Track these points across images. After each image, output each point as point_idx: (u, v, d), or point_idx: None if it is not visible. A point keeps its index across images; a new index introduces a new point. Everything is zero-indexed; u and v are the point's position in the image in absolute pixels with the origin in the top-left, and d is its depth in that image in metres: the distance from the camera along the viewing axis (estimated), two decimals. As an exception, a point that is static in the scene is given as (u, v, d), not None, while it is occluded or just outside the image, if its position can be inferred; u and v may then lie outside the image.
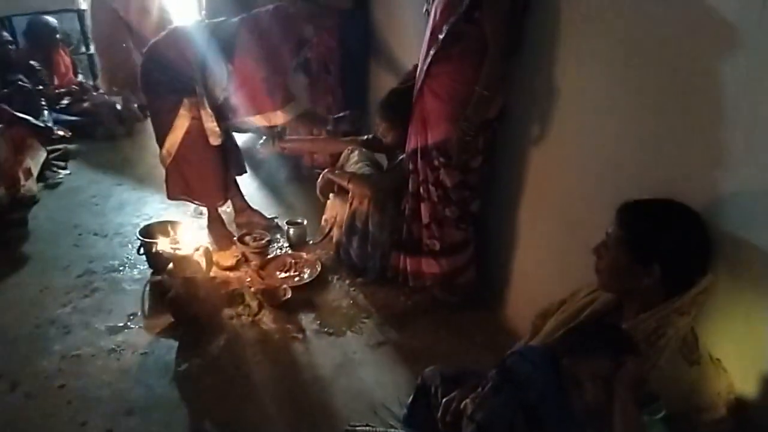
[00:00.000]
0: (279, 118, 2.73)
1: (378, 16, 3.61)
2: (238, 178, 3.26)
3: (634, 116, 1.62)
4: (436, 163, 2.24)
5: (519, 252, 2.35)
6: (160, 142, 2.80)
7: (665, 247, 1.29)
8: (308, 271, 2.80)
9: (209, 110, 2.68)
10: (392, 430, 1.84)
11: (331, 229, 2.90)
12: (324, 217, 2.99)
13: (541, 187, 2.15)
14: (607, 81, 1.72)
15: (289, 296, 2.56)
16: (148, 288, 2.69)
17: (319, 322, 2.48)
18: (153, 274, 2.78)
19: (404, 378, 2.15)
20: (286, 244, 3.11)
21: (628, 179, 1.67)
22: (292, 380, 2.15)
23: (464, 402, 1.66)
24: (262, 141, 3.02)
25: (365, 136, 2.87)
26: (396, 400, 2.02)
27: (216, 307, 2.48)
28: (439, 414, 1.74)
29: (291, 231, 3.07)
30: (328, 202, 2.93)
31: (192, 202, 3.08)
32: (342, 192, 2.75)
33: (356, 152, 2.80)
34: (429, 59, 2.13)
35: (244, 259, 2.92)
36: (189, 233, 2.66)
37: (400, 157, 2.64)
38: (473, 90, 2.05)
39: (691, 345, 1.32)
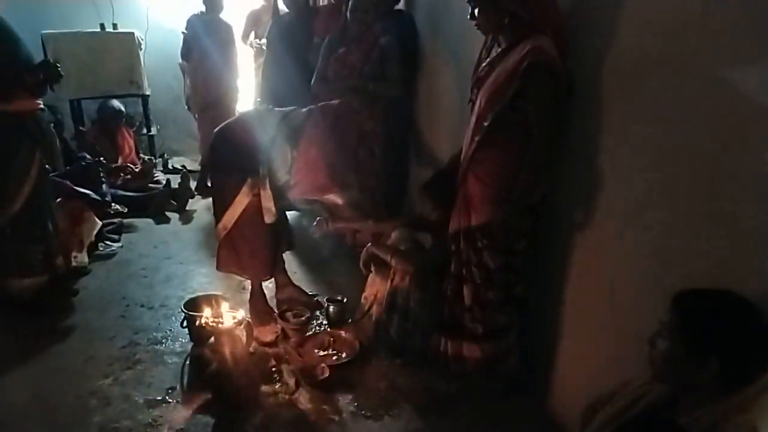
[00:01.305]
0: (337, 198, 2.82)
1: (420, 104, 3.76)
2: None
3: (683, 203, 1.60)
4: (479, 244, 2.25)
5: (565, 339, 2.28)
6: (218, 216, 2.91)
7: (723, 338, 1.24)
8: (347, 350, 2.77)
9: (269, 190, 2.79)
10: None
11: (371, 307, 2.89)
12: (364, 295, 2.99)
13: (588, 273, 2.12)
14: (654, 168, 1.72)
15: (327, 375, 2.53)
16: (188, 362, 2.70)
17: (356, 404, 2.41)
18: (194, 347, 2.80)
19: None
20: (325, 322, 3.09)
21: (679, 266, 1.63)
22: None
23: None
24: (316, 222, 3.09)
25: (411, 217, 2.92)
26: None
27: (254, 383, 2.45)
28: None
29: (331, 308, 3.07)
30: (369, 278, 2.94)
31: (240, 275, 3.14)
32: (383, 268, 2.76)
33: (399, 230, 2.84)
34: (474, 145, 2.19)
35: (283, 336, 2.91)
36: (231, 308, 2.70)
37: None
38: (517, 174, 2.08)
39: (757, 446, 1.23)
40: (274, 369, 2.61)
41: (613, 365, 2.00)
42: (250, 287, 3.17)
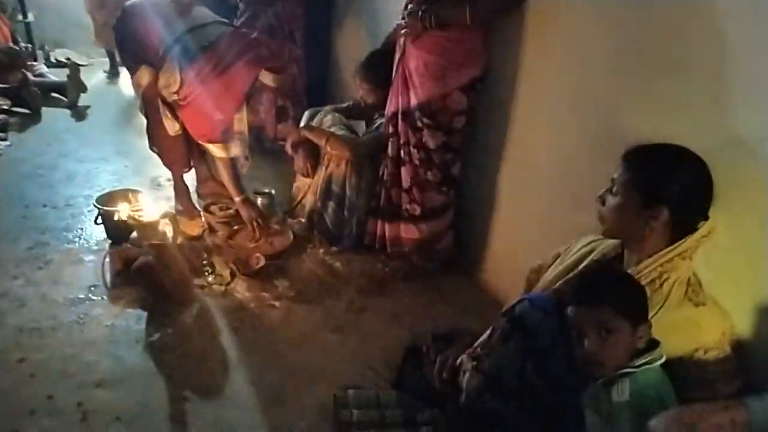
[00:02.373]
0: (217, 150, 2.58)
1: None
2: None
3: (622, 65, 1.63)
4: (419, 124, 2.20)
5: (498, 215, 2.35)
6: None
7: (675, 189, 1.30)
8: (279, 241, 2.70)
9: (161, 102, 2.52)
10: (384, 392, 1.79)
11: (303, 196, 2.81)
12: (295, 185, 2.90)
13: (522, 148, 2.16)
14: (595, 31, 1.73)
15: (262, 265, 2.47)
16: (107, 259, 2.51)
17: (296, 290, 2.39)
18: (112, 244, 2.60)
19: (388, 341, 2.10)
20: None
21: (609, 132, 1.69)
22: (273, 346, 2.07)
23: (460, 358, 1.65)
24: None
25: (346, 105, 2.80)
26: (383, 363, 1.98)
27: (186, 276, 2.35)
28: (435, 370, 1.72)
29: (258, 200, 2.95)
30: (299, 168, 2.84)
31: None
32: (313, 154, 2.66)
33: (330, 115, 2.71)
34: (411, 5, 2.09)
35: (209, 230, 2.79)
36: (151, 201, 2.51)
37: (379, 122, 2.58)
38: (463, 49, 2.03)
39: (695, 287, 1.35)
40: (205, 262, 2.51)
41: (545, 238, 2.10)
42: (166, 183, 2.96)
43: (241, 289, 2.38)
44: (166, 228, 2.40)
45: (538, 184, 2.09)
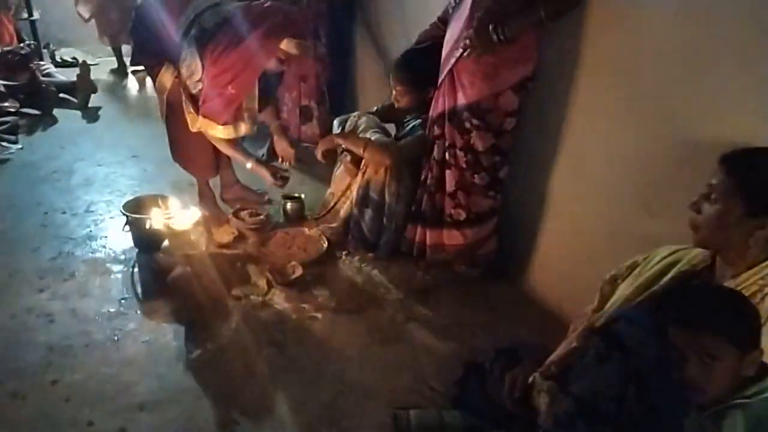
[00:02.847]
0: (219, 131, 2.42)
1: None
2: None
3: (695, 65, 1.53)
4: (467, 125, 2.10)
5: (548, 220, 2.25)
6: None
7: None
8: (312, 248, 2.60)
9: (185, 97, 2.41)
10: (446, 412, 1.69)
11: (337, 202, 2.70)
12: (330, 191, 2.78)
13: (579, 153, 2.06)
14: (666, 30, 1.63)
15: (300, 273, 2.36)
16: (136, 269, 2.41)
17: (335, 299, 2.29)
18: (140, 253, 2.49)
19: (440, 355, 2.00)
20: (281, 220, 2.87)
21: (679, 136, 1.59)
22: (321, 360, 1.97)
23: (532, 377, 1.55)
24: None
25: (378, 107, 2.69)
26: (438, 379, 1.88)
27: (222, 287, 2.24)
28: (506, 390, 1.62)
29: (288, 205, 2.85)
30: (336, 174, 2.73)
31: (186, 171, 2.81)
32: (352, 163, 2.55)
33: (364, 118, 2.61)
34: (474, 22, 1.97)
35: (239, 237, 2.68)
36: (181, 207, 2.41)
37: (412, 123, 2.48)
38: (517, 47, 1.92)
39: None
40: (240, 271, 2.40)
41: (598, 249, 2.02)
42: (189, 188, 2.85)
43: (279, 299, 2.28)
44: (199, 236, 2.31)
45: (596, 190, 1.99)
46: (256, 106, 2.49)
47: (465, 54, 1.96)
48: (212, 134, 2.43)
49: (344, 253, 2.60)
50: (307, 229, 2.72)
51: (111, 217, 2.82)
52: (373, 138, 2.42)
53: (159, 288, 2.23)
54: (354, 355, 2.00)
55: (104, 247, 2.59)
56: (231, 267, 2.38)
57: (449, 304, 2.30)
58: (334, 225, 2.70)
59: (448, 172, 2.23)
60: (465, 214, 2.25)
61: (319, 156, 2.68)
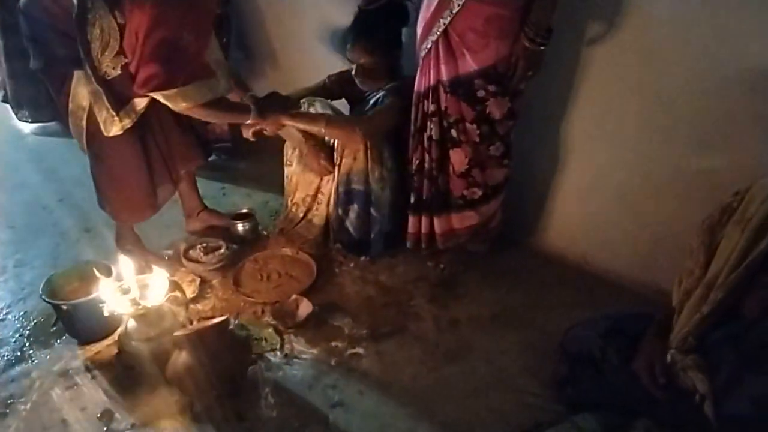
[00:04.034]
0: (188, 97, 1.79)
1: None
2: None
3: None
4: (481, 94, 1.83)
5: (564, 173, 2.13)
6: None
7: None
8: (303, 271, 2.18)
9: (97, 86, 1.79)
10: (579, 418, 1.53)
11: (309, 210, 2.29)
12: (291, 200, 2.33)
13: (589, 102, 1.93)
14: None
15: (311, 309, 1.96)
16: (95, 371, 1.81)
17: (363, 325, 1.95)
18: (84, 344, 1.88)
19: (513, 351, 1.82)
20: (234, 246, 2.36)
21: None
22: (394, 402, 1.67)
23: (669, 355, 1.44)
24: None
25: (320, 82, 2.27)
26: (530, 380, 1.71)
27: (232, 358, 1.77)
28: (645, 379, 1.49)
29: (240, 227, 2.36)
30: (292, 177, 2.29)
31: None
32: (325, 159, 2.14)
33: (317, 103, 2.17)
34: None
35: (203, 283, 2.15)
36: (134, 269, 1.83)
37: (375, 96, 2.13)
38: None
39: None
40: (236, 330, 1.93)
41: (620, 191, 1.96)
42: (116, 232, 2.21)
43: (300, 346, 1.88)
44: (177, 305, 1.79)
45: (626, 132, 1.89)
46: (222, 55, 1.95)
47: None
48: (184, 105, 1.78)
49: (334, 265, 2.24)
50: (287, 250, 2.27)
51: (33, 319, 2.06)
52: (328, 110, 2.04)
53: (148, 385, 1.70)
54: (428, 383, 1.73)
55: (30, 351, 1.90)
56: (222, 334, 1.86)
57: (482, 291, 2.11)
58: (310, 237, 2.31)
59: (455, 150, 1.96)
60: (481, 191, 2.03)
61: (247, 134, 2.14)
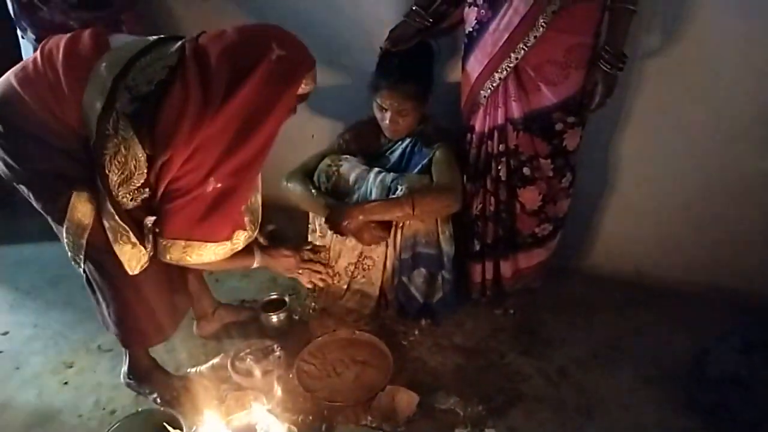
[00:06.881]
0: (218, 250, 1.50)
1: None
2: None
3: None
4: (559, 127, 1.72)
5: (615, 188, 2.11)
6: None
7: None
8: (375, 356, 1.87)
9: (120, 224, 1.39)
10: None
11: (350, 281, 2.00)
12: (333, 271, 1.99)
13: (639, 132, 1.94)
14: None
15: (416, 399, 1.69)
16: None
17: (476, 400, 1.71)
18: None
19: (639, 388, 1.74)
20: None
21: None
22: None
23: None
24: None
25: (333, 144, 2.02)
26: (672, 413, 1.64)
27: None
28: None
29: (273, 318, 1.99)
30: (334, 246, 1.96)
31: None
32: (377, 228, 1.86)
33: (344, 164, 1.91)
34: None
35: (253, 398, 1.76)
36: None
37: (401, 147, 1.95)
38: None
39: None
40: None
41: (671, 204, 2.00)
42: (128, 360, 1.74)
43: (420, 440, 1.61)
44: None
45: (684, 143, 1.90)
46: (260, 200, 1.59)
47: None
48: (195, 261, 1.47)
49: (401, 336, 1.98)
50: (343, 333, 1.94)
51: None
52: (404, 187, 1.79)
53: None
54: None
55: None
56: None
57: (566, 329, 2.00)
58: (366, 311, 2.02)
59: (527, 189, 1.83)
60: (552, 226, 1.92)
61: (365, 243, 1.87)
